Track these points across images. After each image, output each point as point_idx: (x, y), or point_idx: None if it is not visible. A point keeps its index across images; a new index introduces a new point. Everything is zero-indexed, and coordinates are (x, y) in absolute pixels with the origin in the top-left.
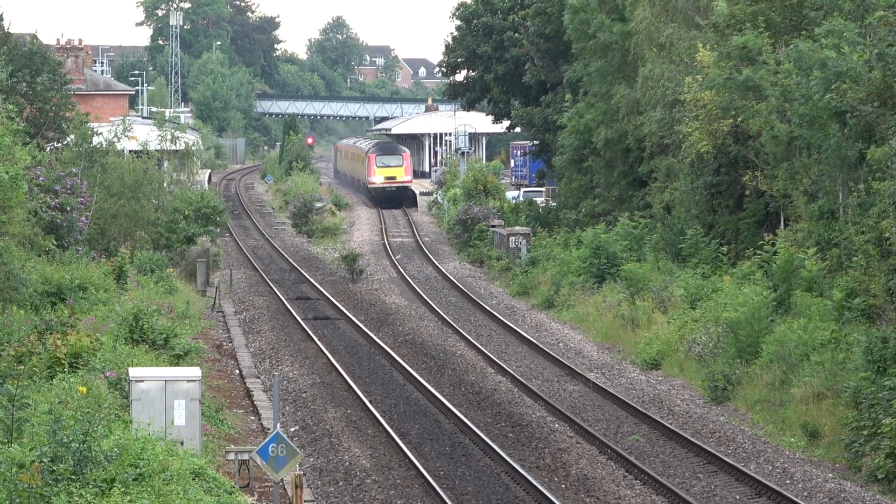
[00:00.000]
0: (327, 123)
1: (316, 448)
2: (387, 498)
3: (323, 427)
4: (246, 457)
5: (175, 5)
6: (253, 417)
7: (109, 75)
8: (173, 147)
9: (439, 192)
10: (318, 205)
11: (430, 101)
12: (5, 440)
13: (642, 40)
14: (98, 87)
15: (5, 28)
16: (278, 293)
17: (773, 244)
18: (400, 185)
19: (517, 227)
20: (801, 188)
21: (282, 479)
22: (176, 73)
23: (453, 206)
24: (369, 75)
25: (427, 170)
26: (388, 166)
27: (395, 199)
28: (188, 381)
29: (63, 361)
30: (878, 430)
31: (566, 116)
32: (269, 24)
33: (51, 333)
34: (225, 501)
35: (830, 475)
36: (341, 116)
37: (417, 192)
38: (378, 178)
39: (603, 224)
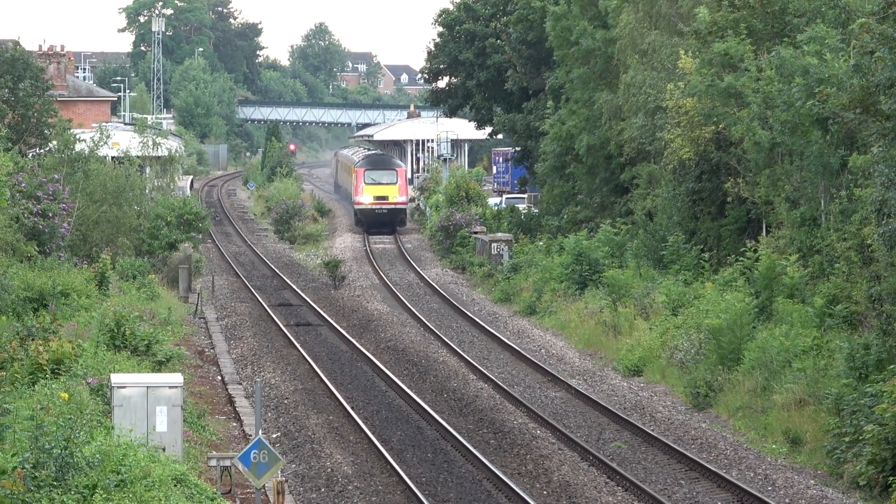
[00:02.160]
0: (309, 130)
1: (298, 454)
2: None
3: (305, 433)
4: (228, 463)
5: (157, 11)
6: (235, 424)
7: (92, 81)
8: (155, 153)
9: (421, 198)
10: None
11: (412, 108)
12: None
13: (625, 46)
14: (80, 94)
15: None
16: (260, 299)
17: (755, 251)
18: (392, 206)
19: (499, 234)
20: (782, 195)
21: (264, 486)
22: (158, 79)
23: (435, 212)
24: (351, 82)
25: (410, 176)
26: (379, 183)
27: (387, 223)
28: (170, 387)
29: (45, 367)
30: (860, 437)
31: (548, 123)
32: (252, 31)
33: (33, 339)
34: None
35: (812, 482)
36: (323, 123)
37: None
38: (366, 197)
39: (585, 230)
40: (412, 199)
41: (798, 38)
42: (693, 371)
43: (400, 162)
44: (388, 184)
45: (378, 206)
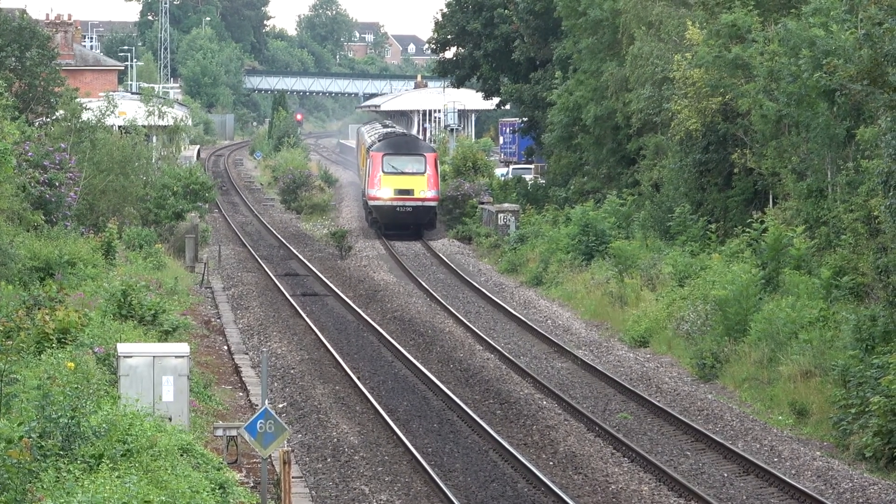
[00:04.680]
0: (316, 100)
1: (304, 424)
2: (375, 474)
3: (311, 403)
4: (234, 433)
5: None
6: (241, 393)
7: (99, 51)
8: (161, 122)
9: None
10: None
11: (419, 78)
12: None
13: (630, 19)
14: (87, 63)
15: None
16: (267, 269)
17: (762, 222)
18: (419, 204)
19: (506, 204)
20: (789, 166)
21: (270, 456)
22: (165, 48)
23: (442, 182)
24: (359, 52)
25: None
26: (402, 173)
27: (410, 224)
28: (176, 356)
29: (51, 337)
30: (866, 409)
31: (556, 93)
32: (259, 0)
33: (39, 309)
34: (213, 477)
35: (818, 453)
36: (330, 93)
37: None
38: (384, 190)
39: (592, 201)
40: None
41: (803, 10)
42: (699, 342)
43: (428, 144)
44: (413, 173)
45: (399, 203)
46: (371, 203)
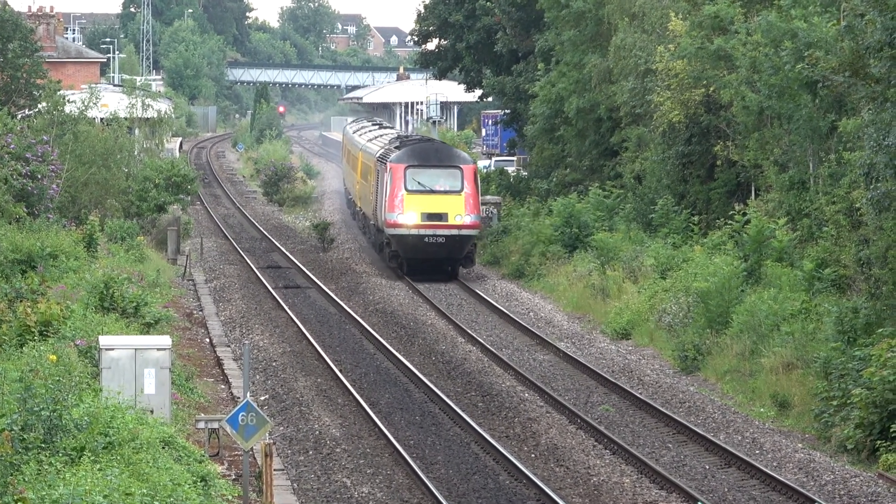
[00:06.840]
0: (299, 92)
1: (286, 417)
2: (356, 467)
3: (293, 396)
4: (216, 425)
5: None
6: (223, 386)
7: (81, 43)
8: (144, 115)
9: None
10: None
11: (401, 70)
12: None
13: (614, 10)
14: (69, 55)
15: None
16: (249, 262)
17: (744, 214)
18: (455, 233)
19: (488, 197)
20: (772, 158)
21: (251, 448)
22: (147, 40)
23: None
24: (341, 44)
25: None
26: (433, 191)
27: (443, 260)
28: (158, 349)
29: (33, 329)
30: (848, 401)
31: (538, 85)
32: None
33: (21, 301)
34: (194, 470)
35: (800, 445)
36: (313, 85)
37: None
38: (408, 215)
39: (574, 194)
40: None
41: (783, 2)
42: (681, 334)
43: (463, 153)
44: (446, 192)
45: (429, 232)
46: (389, 232)
